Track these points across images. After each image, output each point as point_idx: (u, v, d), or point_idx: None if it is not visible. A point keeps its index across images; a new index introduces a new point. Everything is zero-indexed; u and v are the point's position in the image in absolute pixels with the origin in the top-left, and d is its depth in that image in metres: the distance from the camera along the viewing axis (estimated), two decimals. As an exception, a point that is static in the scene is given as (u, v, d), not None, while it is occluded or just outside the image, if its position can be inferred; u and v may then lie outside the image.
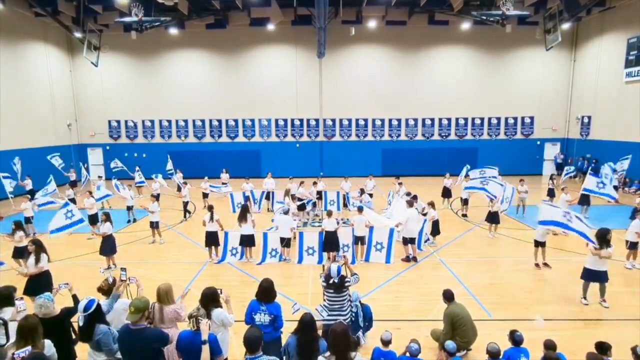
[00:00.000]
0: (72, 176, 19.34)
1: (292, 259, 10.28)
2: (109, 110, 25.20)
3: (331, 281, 5.49)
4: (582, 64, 23.89)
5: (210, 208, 10.62)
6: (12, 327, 4.20)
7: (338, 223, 10.04)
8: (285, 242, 10.22)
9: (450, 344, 4.89)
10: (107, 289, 4.94)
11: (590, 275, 7.64)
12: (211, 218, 10.17)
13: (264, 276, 8.89)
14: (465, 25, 23.31)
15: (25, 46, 20.95)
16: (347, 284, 5.60)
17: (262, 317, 4.84)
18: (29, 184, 16.48)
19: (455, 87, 24.91)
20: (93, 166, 25.22)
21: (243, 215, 10.08)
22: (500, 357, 4.81)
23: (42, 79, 22.10)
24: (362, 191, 14.22)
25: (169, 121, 25.43)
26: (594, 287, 7.73)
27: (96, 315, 4.24)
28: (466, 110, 25.23)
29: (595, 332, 6.57)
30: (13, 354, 3.45)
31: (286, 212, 10.55)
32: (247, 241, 10.14)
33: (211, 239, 10.27)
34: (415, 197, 12.80)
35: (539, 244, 9.65)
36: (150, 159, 24.42)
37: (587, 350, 4.67)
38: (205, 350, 3.57)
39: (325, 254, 10.18)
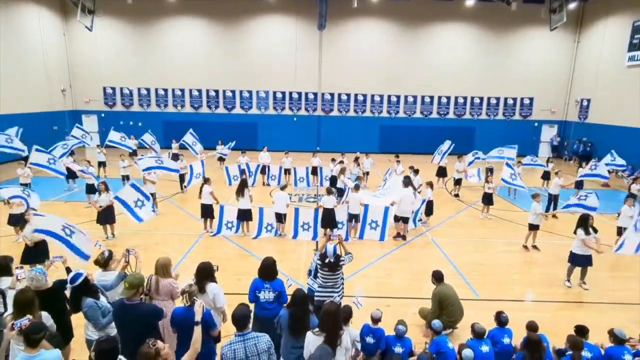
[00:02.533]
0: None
1: (287, 234, 10.44)
2: (104, 77, 24.71)
3: (327, 260, 5.61)
4: (586, 46, 23.58)
5: (206, 181, 10.66)
6: (11, 296, 4.31)
7: (337, 201, 10.10)
8: (282, 217, 10.33)
9: (436, 323, 5.05)
10: (103, 263, 5.03)
11: (577, 260, 7.84)
12: (200, 191, 10.38)
13: (259, 250, 9.20)
14: (470, 1, 22.81)
15: (17, 9, 20.22)
16: (341, 263, 5.74)
17: (266, 295, 4.95)
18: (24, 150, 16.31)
19: (456, 65, 24.57)
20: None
21: (241, 190, 10.11)
22: (485, 336, 4.99)
23: (34, 43, 21.45)
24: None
25: (165, 90, 25.04)
26: (577, 269, 7.96)
27: (83, 289, 4.32)
28: (466, 89, 25.01)
29: (578, 315, 6.80)
30: (13, 323, 3.54)
31: (283, 188, 10.60)
32: (243, 215, 10.24)
33: (206, 211, 10.39)
34: (417, 171, 12.86)
35: (533, 227, 9.78)
36: (145, 127, 24.11)
37: (568, 332, 4.88)
38: (198, 328, 3.69)
39: (321, 231, 10.30)
